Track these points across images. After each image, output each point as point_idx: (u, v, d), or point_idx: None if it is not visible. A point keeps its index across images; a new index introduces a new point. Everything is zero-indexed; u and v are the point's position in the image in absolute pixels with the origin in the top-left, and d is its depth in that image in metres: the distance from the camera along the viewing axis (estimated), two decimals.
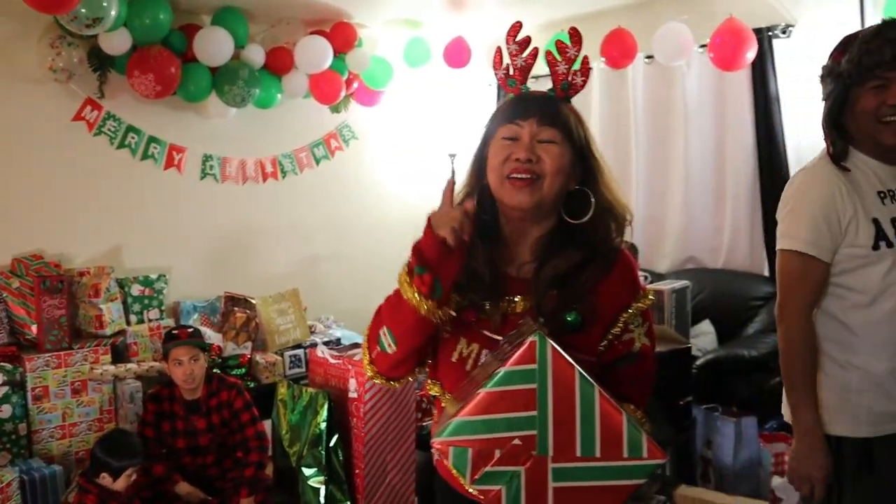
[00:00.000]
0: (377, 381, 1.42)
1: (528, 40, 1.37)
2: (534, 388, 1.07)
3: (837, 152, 1.79)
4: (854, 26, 3.80)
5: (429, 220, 1.27)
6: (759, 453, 3.10)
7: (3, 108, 3.78)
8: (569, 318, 1.28)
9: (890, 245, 1.75)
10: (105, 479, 2.91)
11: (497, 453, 1.07)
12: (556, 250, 1.34)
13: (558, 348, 1.10)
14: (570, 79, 1.36)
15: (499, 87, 5.01)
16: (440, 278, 1.23)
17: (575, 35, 1.38)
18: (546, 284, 1.31)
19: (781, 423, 3.56)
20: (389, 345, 1.32)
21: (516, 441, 1.07)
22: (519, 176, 1.30)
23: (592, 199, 1.35)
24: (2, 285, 3.71)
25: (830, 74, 1.79)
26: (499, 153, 1.33)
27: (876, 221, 1.75)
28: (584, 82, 1.37)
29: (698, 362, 3.48)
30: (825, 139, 1.84)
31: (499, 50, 1.39)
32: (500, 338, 1.31)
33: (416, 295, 1.25)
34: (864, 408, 1.76)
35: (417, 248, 1.26)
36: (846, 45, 1.77)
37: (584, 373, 1.10)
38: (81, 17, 3.35)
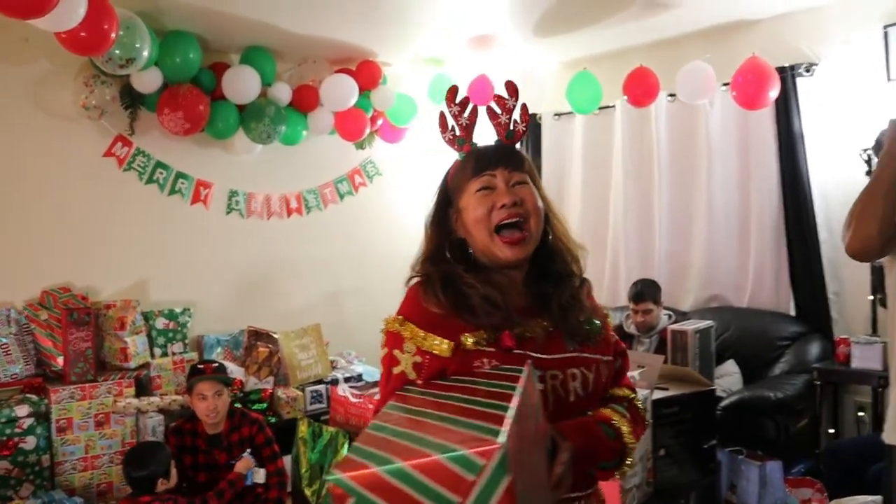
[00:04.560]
0: None
1: (466, 101, 1.45)
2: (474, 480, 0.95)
3: None
4: (879, 65, 3.81)
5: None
6: (784, 498, 3.03)
7: (37, 143, 3.88)
8: (595, 324, 1.41)
9: None
10: (163, 484, 2.95)
11: None
12: (549, 281, 1.41)
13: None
14: (512, 127, 1.43)
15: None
16: None
17: (511, 87, 1.44)
18: (562, 306, 1.38)
19: (809, 468, 3.50)
20: None
21: None
22: (510, 222, 1.34)
23: (550, 235, 1.44)
24: (30, 317, 3.77)
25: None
26: (479, 206, 1.36)
27: None
28: (525, 128, 1.44)
29: (723, 404, 3.42)
30: None
31: (442, 114, 1.46)
32: (545, 356, 1.33)
33: None
34: None
35: None
36: None
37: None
38: (116, 58, 3.44)
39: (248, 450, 3.22)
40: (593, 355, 1.39)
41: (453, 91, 1.47)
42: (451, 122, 1.45)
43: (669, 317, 3.95)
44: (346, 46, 4.55)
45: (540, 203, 1.39)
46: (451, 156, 1.50)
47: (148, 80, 3.87)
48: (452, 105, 1.45)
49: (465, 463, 0.94)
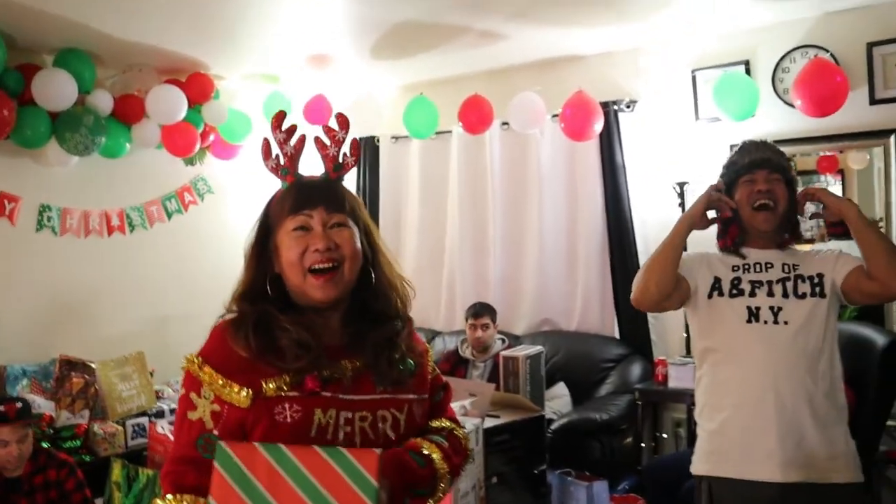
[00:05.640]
0: None
1: (294, 128, 1.40)
2: None
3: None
4: (688, 105, 4.14)
5: None
6: None
7: None
8: (409, 364, 1.38)
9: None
10: None
11: None
12: (368, 322, 1.38)
13: None
14: (340, 160, 1.41)
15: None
16: None
17: (342, 119, 1.43)
18: (375, 346, 1.36)
19: (633, 485, 3.69)
20: None
21: None
22: (321, 266, 1.31)
23: (374, 275, 1.40)
24: None
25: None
26: (294, 246, 1.33)
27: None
28: (355, 161, 1.43)
29: (553, 426, 3.53)
30: None
31: (266, 141, 1.40)
32: (353, 397, 1.31)
33: None
34: None
35: None
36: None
37: None
38: None
39: None
40: (406, 395, 1.37)
41: (280, 117, 1.41)
42: (275, 149, 1.39)
43: (503, 341, 4.04)
44: (176, 56, 4.31)
45: (358, 245, 1.36)
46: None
47: None
48: (278, 132, 1.39)
49: None
